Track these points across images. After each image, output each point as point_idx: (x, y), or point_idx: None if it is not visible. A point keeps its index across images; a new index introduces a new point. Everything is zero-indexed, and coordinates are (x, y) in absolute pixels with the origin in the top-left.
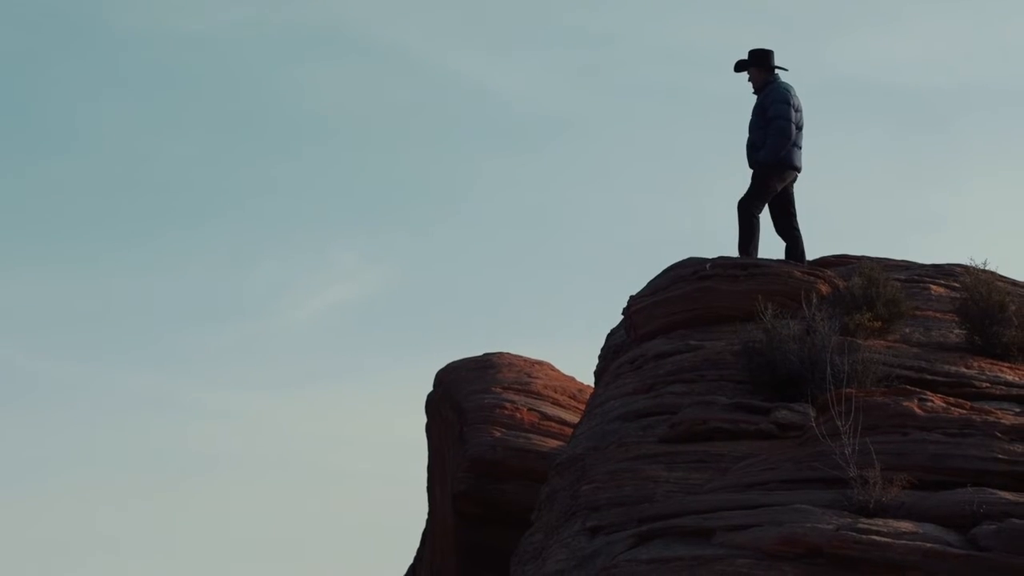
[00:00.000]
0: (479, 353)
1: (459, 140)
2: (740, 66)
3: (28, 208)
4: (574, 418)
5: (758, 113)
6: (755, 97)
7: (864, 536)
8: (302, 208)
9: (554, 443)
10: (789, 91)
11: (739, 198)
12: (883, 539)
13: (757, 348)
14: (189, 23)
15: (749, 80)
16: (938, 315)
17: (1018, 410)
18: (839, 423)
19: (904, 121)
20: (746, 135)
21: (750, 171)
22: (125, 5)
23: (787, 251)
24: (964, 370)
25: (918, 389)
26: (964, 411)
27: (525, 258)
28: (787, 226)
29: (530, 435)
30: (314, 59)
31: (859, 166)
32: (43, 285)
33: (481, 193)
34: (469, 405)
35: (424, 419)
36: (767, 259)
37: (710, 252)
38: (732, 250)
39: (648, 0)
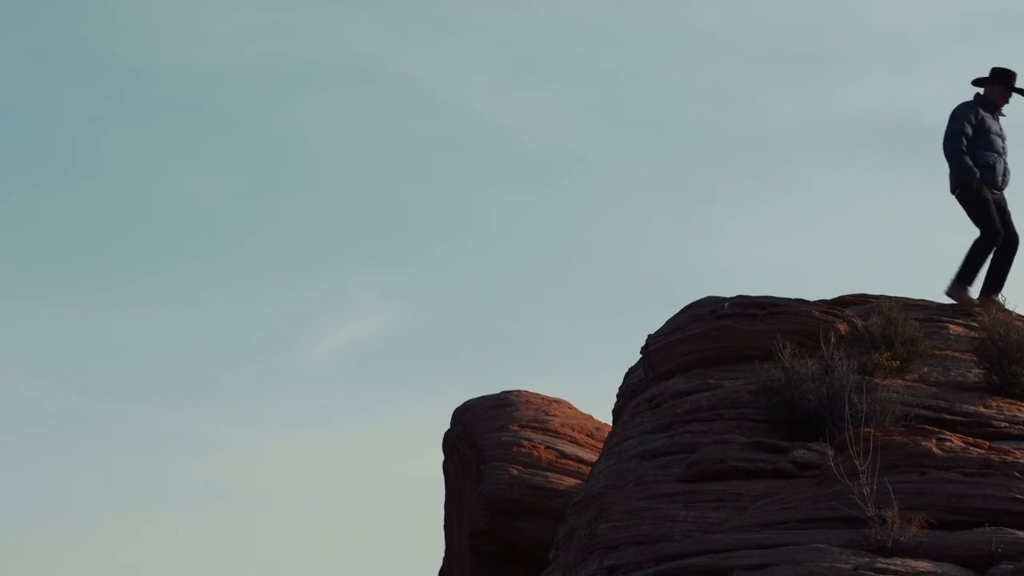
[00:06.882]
0: (497, 391)
1: (476, 175)
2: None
3: (49, 241)
4: (592, 456)
5: (1001, 135)
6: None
7: None
8: (321, 244)
9: (571, 481)
10: None
11: (1010, 228)
12: None
13: (775, 387)
14: (208, 59)
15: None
16: (957, 355)
17: None
18: (857, 463)
19: (924, 157)
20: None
21: (995, 192)
22: (151, 40)
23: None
24: (983, 410)
25: (936, 429)
26: (983, 451)
27: (543, 295)
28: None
29: (547, 473)
30: (333, 94)
31: (877, 203)
32: (59, 318)
33: (499, 229)
34: (486, 443)
35: (441, 456)
36: (785, 298)
37: (729, 289)
38: (759, 287)
39: (664, 36)
